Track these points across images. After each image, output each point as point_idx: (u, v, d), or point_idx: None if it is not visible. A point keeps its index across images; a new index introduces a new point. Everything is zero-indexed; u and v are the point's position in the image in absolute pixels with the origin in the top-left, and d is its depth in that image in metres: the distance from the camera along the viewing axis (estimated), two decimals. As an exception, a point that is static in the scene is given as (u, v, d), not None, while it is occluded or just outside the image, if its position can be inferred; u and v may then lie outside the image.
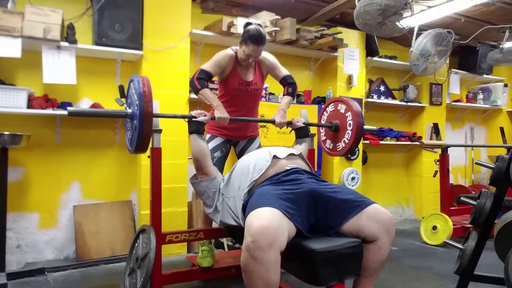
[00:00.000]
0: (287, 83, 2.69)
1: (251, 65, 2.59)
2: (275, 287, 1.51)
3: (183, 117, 2.26)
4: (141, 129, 1.90)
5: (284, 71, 2.71)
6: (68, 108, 1.94)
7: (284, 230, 1.55)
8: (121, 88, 2.15)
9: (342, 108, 2.57)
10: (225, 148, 2.64)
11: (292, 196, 1.72)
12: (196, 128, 2.21)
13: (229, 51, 2.53)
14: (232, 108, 2.58)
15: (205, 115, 2.23)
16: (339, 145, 2.62)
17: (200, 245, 2.55)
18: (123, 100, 2.21)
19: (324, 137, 2.76)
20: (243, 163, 2.08)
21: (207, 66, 2.48)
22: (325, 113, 2.72)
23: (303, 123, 2.54)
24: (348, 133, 2.52)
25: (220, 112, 2.37)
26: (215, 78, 2.61)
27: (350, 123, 2.50)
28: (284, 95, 2.69)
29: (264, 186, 1.85)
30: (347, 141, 2.54)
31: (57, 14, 2.79)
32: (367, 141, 4.44)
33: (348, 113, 2.52)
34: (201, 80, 2.43)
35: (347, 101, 2.54)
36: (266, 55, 2.67)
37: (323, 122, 2.73)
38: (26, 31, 2.68)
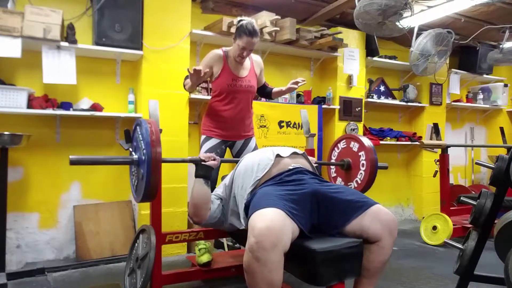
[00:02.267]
0: (267, 85, 2.91)
1: (244, 63, 2.63)
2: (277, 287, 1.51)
3: (191, 161, 2.12)
4: (149, 178, 1.78)
5: (264, 79, 2.90)
6: (70, 157, 1.79)
7: (288, 231, 1.54)
8: (126, 132, 2.04)
9: (355, 146, 2.50)
10: (220, 150, 2.64)
11: (295, 197, 1.71)
12: (204, 173, 2.05)
13: (218, 51, 2.61)
14: (228, 106, 2.61)
15: (214, 159, 2.10)
16: (351, 184, 2.54)
17: (196, 245, 2.55)
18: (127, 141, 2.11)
19: (335, 175, 2.68)
20: (246, 162, 2.06)
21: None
22: (336, 149, 2.65)
23: (315, 163, 2.33)
24: (361, 173, 2.46)
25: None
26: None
27: (363, 163, 2.43)
28: (272, 88, 2.89)
29: (267, 186, 1.85)
30: (359, 181, 2.47)
31: (57, 14, 2.79)
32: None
33: (362, 152, 2.44)
34: (185, 79, 2.58)
35: (360, 139, 2.47)
36: (259, 58, 2.79)
37: (333, 158, 2.67)
38: (26, 31, 2.68)
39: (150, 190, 1.83)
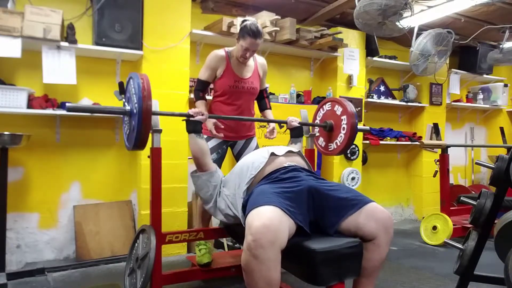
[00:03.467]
0: (267, 95, 2.87)
1: (248, 64, 2.62)
2: (276, 285, 1.51)
3: (180, 115, 2.27)
4: (140, 127, 1.90)
5: (266, 84, 2.90)
6: (67, 104, 1.92)
7: (285, 228, 1.55)
8: (120, 84, 2.13)
9: (338, 109, 2.57)
10: (221, 150, 2.64)
11: (291, 194, 1.72)
12: (193, 127, 2.22)
13: (220, 51, 2.60)
14: (230, 107, 2.61)
15: (202, 115, 2.24)
16: (331, 145, 2.64)
17: (196, 245, 2.56)
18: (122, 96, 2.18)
19: (318, 134, 2.77)
20: (241, 163, 2.11)
21: (201, 73, 2.62)
22: (321, 110, 2.73)
23: (298, 123, 2.54)
24: (341, 136, 2.54)
25: (207, 124, 2.52)
26: None
27: (344, 127, 2.51)
28: (267, 108, 2.84)
29: (263, 184, 1.86)
30: (339, 144, 2.56)
31: (57, 14, 2.79)
32: (367, 141, 4.45)
33: (344, 116, 2.52)
34: (196, 92, 2.62)
35: (343, 104, 2.54)
36: (264, 61, 2.78)
37: (318, 119, 2.74)
38: (26, 31, 2.68)
39: (140, 140, 1.94)
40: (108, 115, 3.12)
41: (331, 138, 2.63)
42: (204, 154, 2.23)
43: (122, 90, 2.16)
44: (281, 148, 2.12)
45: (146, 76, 1.98)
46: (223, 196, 2.13)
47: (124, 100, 2.15)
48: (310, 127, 2.79)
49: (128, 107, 2.04)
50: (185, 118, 2.24)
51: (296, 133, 2.54)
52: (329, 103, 2.67)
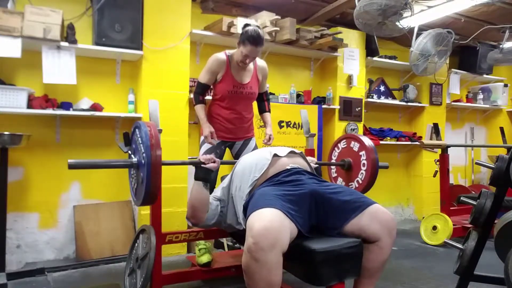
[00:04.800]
0: (267, 98, 2.85)
1: (248, 68, 2.61)
2: None
3: (191, 163, 2.09)
4: (149, 179, 1.74)
5: (267, 86, 2.87)
6: (69, 161, 1.74)
7: (286, 231, 1.54)
8: (125, 135, 2.00)
9: (355, 146, 2.48)
10: (219, 150, 2.63)
11: (293, 198, 1.71)
12: (203, 175, 1.98)
13: (221, 55, 2.58)
14: (228, 111, 2.62)
15: (214, 161, 2.03)
16: (352, 184, 2.51)
17: (196, 245, 2.56)
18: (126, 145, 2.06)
19: (335, 175, 2.66)
20: (243, 164, 2.07)
21: (202, 76, 2.61)
22: (336, 149, 2.62)
23: (316, 163, 2.31)
24: (362, 173, 2.43)
25: (204, 130, 2.55)
26: None
27: (364, 163, 2.41)
28: (266, 111, 2.83)
29: (265, 187, 1.84)
30: (361, 181, 2.44)
31: (57, 14, 2.79)
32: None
33: (362, 152, 2.42)
34: (196, 95, 2.61)
35: (360, 139, 2.45)
36: (264, 64, 2.75)
37: (334, 158, 2.64)
38: (26, 31, 2.68)
39: (150, 194, 1.79)
40: (109, 115, 3.12)
41: (350, 177, 2.51)
42: (204, 208, 2.00)
43: (127, 141, 2.02)
44: (283, 149, 2.09)
45: (153, 124, 1.89)
46: (228, 212, 2.06)
47: (129, 152, 2.01)
48: (310, 127, 2.79)
49: (135, 159, 1.90)
50: (195, 165, 2.06)
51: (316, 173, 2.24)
52: (344, 140, 2.58)
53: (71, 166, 1.74)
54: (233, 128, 2.66)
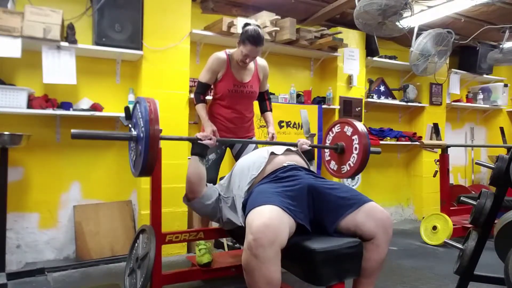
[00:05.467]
0: (268, 97, 2.84)
1: (248, 67, 2.61)
2: (277, 284, 1.51)
3: (188, 139, 2.21)
4: (147, 152, 1.81)
5: (267, 85, 2.84)
6: (72, 130, 1.82)
7: (285, 227, 1.55)
8: (126, 109, 2.06)
9: (348, 130, 2.51)
10: (220, 150, 2.64)
11: (291, 193, 1.73)
12: (200, 151, 2.13)
13: (221, 54, 2.58)
14: (229, 110, 2.62)
15: (210, 139, 2.14)
16: (343, 167, 2.55)
17: (197, 245, 2.56)
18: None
19: (329, 158, 2.70)
20: (241, 164, 2.11)
21: (202, 76, 2.61)
22: (330, 133, 2.66)
23: (309, 146, 2.40)
24: (354, 156, 2.46)
25: (206, 129, 2.54)
26: None
27: (356, 147, 2.44)
28: (267, 110, 2.83)
29: (262, 184, 1.87)
30: (352, 165, 2.47)
31: (57, 14, 2.79)
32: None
33: (355, 136, 2.45)
34: (197, 95, 2.61)
35: (353, 124, 2.48)
36: (265, 63, 2.75)
37: (328, 142, 2.68)
38: (26, 31, 2.68)
39: (147, 166, 1.87)
40: (109, 115, 3.12)
41: (343, 161, 2.54)
42: (201, 181, 2.14)
43: (128, 115, 2.09)
44: (280, 147, 2.13)
45: (153, 100, 1.93)
46: (227, 208, 2.09)
47: (130, 125, 2.09)
48: (310, 127, 2.79)
49: (134, 133, 1.97)
50: (192, 140, 2.17)
51: (307, 156, 2.35)
52: (338, 124, 2.61)
53: (74, 136, 1.83)
54: (234, 127, 2.66)
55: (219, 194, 2.18)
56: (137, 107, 1.98)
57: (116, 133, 2.08)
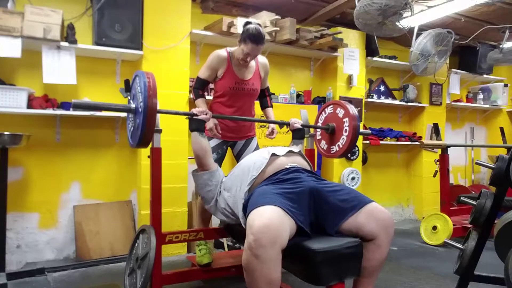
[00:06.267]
0: (269, 94, 2.85)
1: (250, 65, 2.60)
2: (277, 285, 1.52)
3: (185, 114, 2.27)
4: (144, 125, 1.88)
5: (268, 82, 2.85)
6: (73, 100, 1.90)
7: (286, 228, 1.55)
8: (126, 82, 2.13)
9: (340, 112, 2.55)
10: (221, 150, 2.64)
11: (292, 195, 1.72)
12: (196, 126, 2.21)
13: (222, 52, 2.57)
14: (230, 109, 2.61)
15: (206, 114, 2.23)
16: (333, 148, 2.62)
17: (197, 245, 2.56)
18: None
19: (320, 137, 2.76)
20: (242, 165, 2.10)
21: (201, 72, 2.61)
22: (323, 113, 2.71)
23: (301, 125, 2.52)
24: (343, 138, 2.52)
25: (207, 123, 2.48)
26: None
27: (346, 129, 2.50)
28: (268, 106, 2.84)
29: (264, 185, 1.86)
30: (341, 146, 2.54)
31: (57, 14, 2.79)
32: (367, 141, 4.45)
33: (346, 119, 2.50)
34: (196, 90, 2.61)
35: (346, 106, 2.53)
36: (266, 61, 2.75)
37: (320, 122, 2.73)
38: (26, 31, 2.68)
39: (144, 138, 1.93)
40: (109, 115, 3.12)
41: (333, 141, 2.61)
42: (206, 153, 2.22)
43: (128, 87, 2.16)
44: (282, 148, 2.12)
45: (152, 75, 1.97)
46: (224, 196, 2.13)
47: (129, 97, 2.14)
48: (310, 129, 2.79)
49: (133, 105, 2.02)
50: (189, 115, 2.25)
51: (298, 134, 2.52)
52: (331, 106, 2.66)
53: (75, 105, 1.88)
54: (235, 126, 2.65)
55: (221, 184, 2.20)
56: (136, 81, 2.02)
57: (115, 105, 2.14)
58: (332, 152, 2.63)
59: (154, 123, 1.94)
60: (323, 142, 2.72)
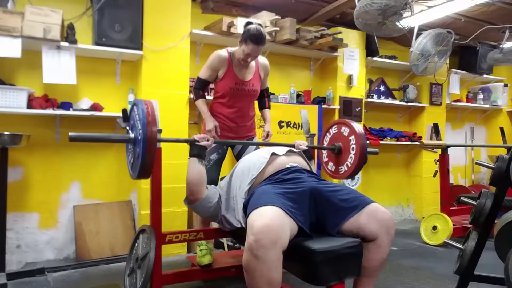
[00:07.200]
0: (267, 95, 2.85)
1: (250, 65, 2.60)
2: (277, 286, 1.51)
3: (186, 141, 2.18)
4: (144, 154, 1.81)
5: (268, 83, 2.85)
6: (70, 133, 1.82)
7: (286, 229, 1.55)
8: (124, 111, 2.05)
9: (345, 131, 2.51)
10: (221, 150, 2.64)
11: (293, 195, 1.72)
12: (198, 152, 2.12)
13: (223, 52, 2.57)
14: (230, 109, 2.61)
15: (207, 140, 2.14)
16: (341, 168, 2.56)
17: (198, 245, 2.56)
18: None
19: (327, 159, 2.70)
20: (242, 164, 2.10)
21: (202, 72, 2.61)
22: (328, 134, 2.66)
23: (306, 146, 2.39)
24: (351, 156, 2.47)
25: (208, 124, 2.53)
26: None
27: (353, 147, 2.44)
28: (266, 107, 2.84)
29: (264, 185, 1.86)
30: (350, 165, 2.48)
31: (57, 14, 2.79)
32: (367, 141, 4.44)
33: (352, 137, 2.46)
34: (196, 90, 2.60)
35: (350, 124, 2.49)
36: (266, 61, 2.74)
37: (325, 143, 2.67)
38: (26, 31, 2.68)
39: (145, 168, 1.87)
40: (109, 115, 3.12)
41: (341, 161, 2.55)
42: (201, 182, 2.11)
43: (126, 117, 2.08)
44: (282, 148, 2.11)
45: (150, 102, 1.93)
46: (227, 208, 2.09)
47: (127, 127, 2.08)
48: (310, 127, 2.78)
49: (132, 135, 1.97)
50: (190, 142, 2.17)
51: (306, 156, 2.34)
52: (335, 125, 2.61)
53: (72, 138, 1.83)
54: (235, 126, 2.65)
55: (220, 196, 2.16)
56: (134, 109, 1.98)
57: (113, 136, 2.09)
58: (341, 172, 2.57)
59: (155, 151, 1.87)
60: (330, 163, 2.67)
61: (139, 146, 1.85)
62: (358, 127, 2.47)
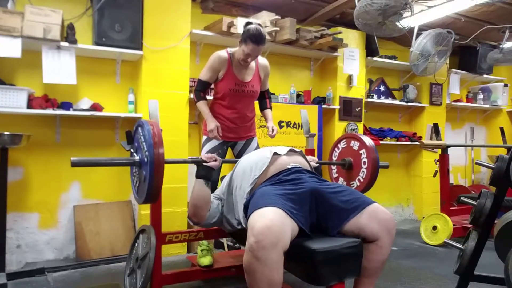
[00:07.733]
0: (268, 96, 2.83)
1: (250, 66, 2.60)
2: (278, 287, 1.51)
3: (193, 162, 2.08)
4: (152, 177, 1.73)
5: (268, 84, 2.84)
6: (72, 159, 1.73)
7: (287, 230, 1.54)
8: (128, 133, 1.99)
9: (355, 145, 2.47)
10: (221, 150, 2.64)
11: (294, 196, 1.71)
12: (205, 174, 2.01)
13: (222, 53, 2.56)
14: (230, 110, 2.61)
15: (215, 160, 2.05)
16: (353, 183, 2.51)
17: (199, 246, 2.56)
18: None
19: (336, 175, 2.66)
20: (243, 163, 2.07)
21: (203, 74, 2.60)
22: (336, 149, 2.62)
23: (316, 162, 2.30)
24: (363, 171, 2.43)
25: (209, 124, 2.52)
26: None
27: (365, 161, 2.40)
28: (267, 108, 2.81)
29: (265, 186, 1.85)
30: (362, 180, 2.44)
31: (57, 14, 2.79)
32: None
33: (363, 151, 2.42)
34: (197, 92, 2.60)
35: (360, 138, 2.44)
36: (266, 62, 2.74)
37: (334, 158, 2.64)
38: (26, 31, 2.68)
39: (152, 192, 1.80)
40: (109, 115, 3.12)
41: (352, 176, 2.50)
42: (206, 205, 2.03)
43: (130, 139, 2.01)
44: (283, 148, 2.10)
45: (156, 123, 1.89)
46: (230, 212, 2.07)
47: (131, 150, 2.01)
48: (310, 127, 2.79)
49: (137, 157, 1.90)
50: (197, 163, 2.07)
51: (316, 172, 2.21)
52: (344, 140, 2.57)
53: (74, 164, 1.74)
54: (235, 127, 2.65)
55: (221, 202, 2.13)
56: (139, 130, 1.92)
57: (117, 159, 2.01)
58: (353, 187, 2.49)
59: (163, 173, 1.79)
60: (340, 179, 2.63)
61: (146, 169, 1.78)
62: (369, 140, 2.43)
